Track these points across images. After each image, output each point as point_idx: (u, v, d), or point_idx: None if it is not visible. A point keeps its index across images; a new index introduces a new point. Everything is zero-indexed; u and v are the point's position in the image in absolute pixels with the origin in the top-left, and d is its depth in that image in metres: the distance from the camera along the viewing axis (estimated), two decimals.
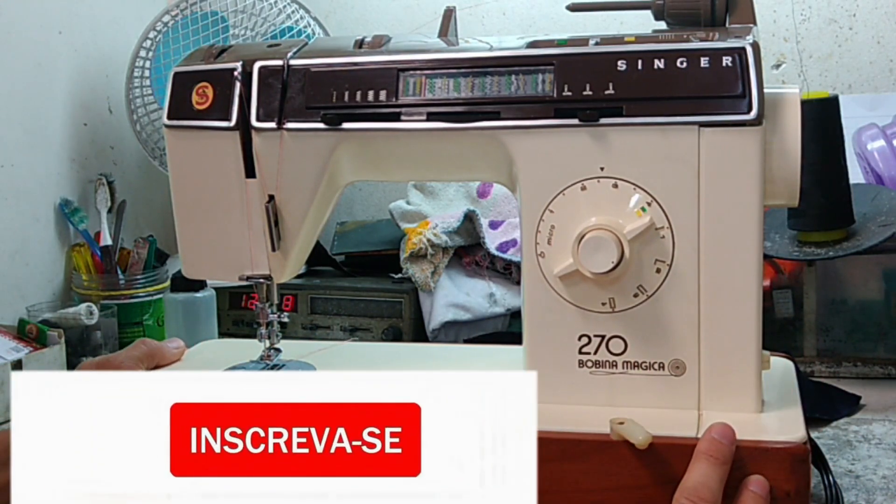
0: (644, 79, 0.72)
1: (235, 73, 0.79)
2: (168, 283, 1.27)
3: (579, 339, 0.75)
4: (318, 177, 0.80)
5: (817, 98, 1.11)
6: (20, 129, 1.29)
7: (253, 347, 0.88)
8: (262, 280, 0.83)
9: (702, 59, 0.71)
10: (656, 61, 0.72)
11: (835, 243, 1.11)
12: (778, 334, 1.16)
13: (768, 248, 1.13)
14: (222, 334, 1.27)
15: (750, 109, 0.70)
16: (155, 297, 1.29)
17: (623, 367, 0.74)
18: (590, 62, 0.73)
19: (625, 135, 0.72)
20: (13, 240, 1.28)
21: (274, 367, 0.85)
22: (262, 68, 0.79)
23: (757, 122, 0.70)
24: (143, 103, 1.38)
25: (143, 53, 1.36)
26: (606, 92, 0.72)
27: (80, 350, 1.18)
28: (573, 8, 0.76)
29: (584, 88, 0.72)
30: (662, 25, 0.80)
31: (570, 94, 0.73)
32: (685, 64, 0.71)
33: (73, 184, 1.38)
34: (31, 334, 1.13)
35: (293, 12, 1.40)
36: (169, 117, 0.81)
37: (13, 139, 1.28)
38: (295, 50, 0.80)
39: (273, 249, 0.81)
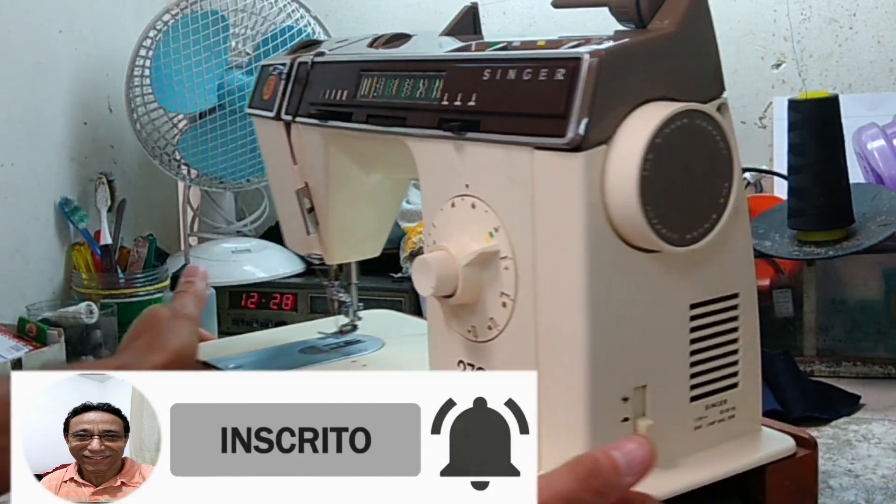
0: (497, 91, 0.63)
1: (279, 68, 0.84)
2: (168, 281, 1.27)
3: (458, 364, 0.69)
4: (325, 170, 0.81)
5: (817, 98, 1.11)
6: (20, 127, 1.29)
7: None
8: (319, 260, 0.87)
9: (541, 70, 0.60)
10: (510, 71, 0.62)
11: (835, 243, 1.11)
12: (778, 334, 1.16)
13: (768, 248, 1.13)
14: (222, 333, 1.28)
15: (573, 132, 0.57)
16: (155, 296, 1.29)
17: None
18: (461, 70, 0.66)
19: (480, 151, 0.64)
20: (13, 239, 1.28)
21: (347, 344, 0.89)
22: (297, 64, 0.82)
23: (580, 146, 0.57)
24: (143, 102, 1.38)
25: (143, 52, 1.36)
26: (470, 103, 0.64)
27: (80, 349, 1.18)
28: (557, 5, 0.73)
29: (456, 98, 0.65)
30: None
31: (447, 103, 0.66)
32: (529, 76, 0.61)
33: (73, 182, 1.38)
34: (30, 333, 1.14)
35: (293, 11, 1.40)
36: (248, 105, 0.90)
37: (13, 138, 1.28)
38: (325, 49, 0.83)
39: (307, 233, 0.85)
